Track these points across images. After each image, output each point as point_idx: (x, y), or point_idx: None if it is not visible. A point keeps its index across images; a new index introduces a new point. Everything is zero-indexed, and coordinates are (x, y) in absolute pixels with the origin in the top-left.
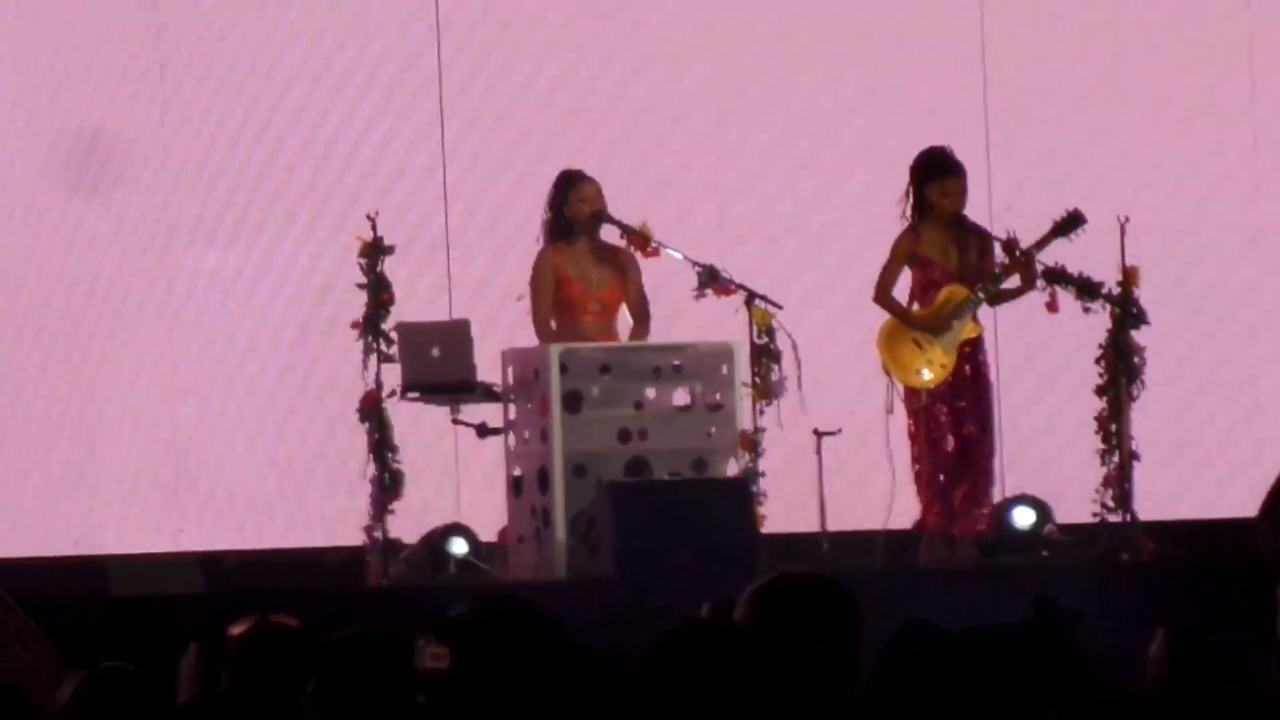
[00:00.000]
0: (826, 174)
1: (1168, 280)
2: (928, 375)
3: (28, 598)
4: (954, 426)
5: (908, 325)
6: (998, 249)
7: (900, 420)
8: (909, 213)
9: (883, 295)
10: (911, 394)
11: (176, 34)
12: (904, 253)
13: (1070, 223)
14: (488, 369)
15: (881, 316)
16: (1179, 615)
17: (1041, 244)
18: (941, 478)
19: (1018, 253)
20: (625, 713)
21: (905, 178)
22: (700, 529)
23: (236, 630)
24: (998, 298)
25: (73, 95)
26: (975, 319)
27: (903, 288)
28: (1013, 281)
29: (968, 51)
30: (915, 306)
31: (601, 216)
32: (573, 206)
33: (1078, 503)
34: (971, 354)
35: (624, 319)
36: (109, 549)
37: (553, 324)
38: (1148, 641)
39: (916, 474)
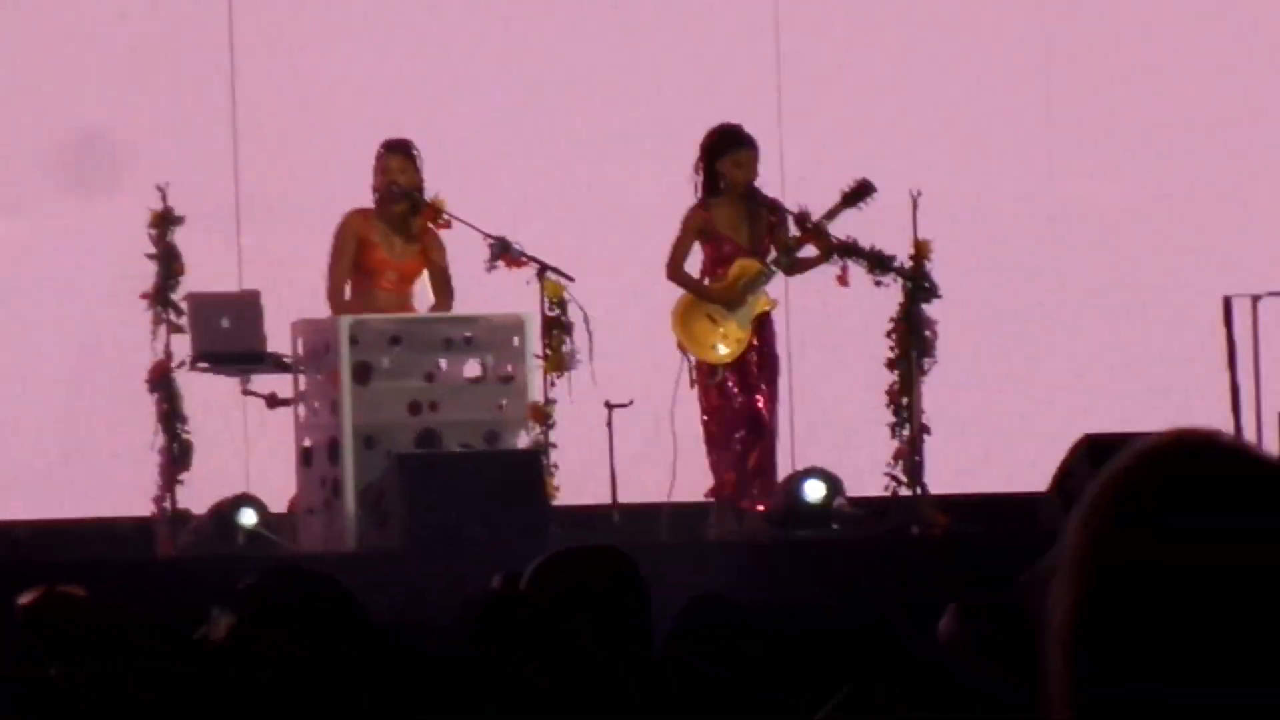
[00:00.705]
0: (618, 148)
1: (960, 255)
2: (723, 350)
3: None
4: (746, 400)
5: (702, 300)
6: (790, 223)
7: (692, 394)
8: (699, 189)
9: (675, 271)
10: (705, 368)
11: None
12: (694, 228)
13: (859, 192)
14: (278, 340)
15: (673, 292)
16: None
17: (831, 214)
18: (733, 451)
19: (809, 224)
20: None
21: (697, 153)
22: (491, 501)
23: (24, 600)
24: (794, 267)
25: None
26: (767, 293)
27: (694, 264)
28: (808, 251)
29: (761, 24)
30: (707, 281)
31: (404, 190)
32: (375, 175)
33: (869, 476)
34: (763, 328)
35: (423, 296)
36: None
37: (348, 290)
38: (939, 615)
39: (709, 447)
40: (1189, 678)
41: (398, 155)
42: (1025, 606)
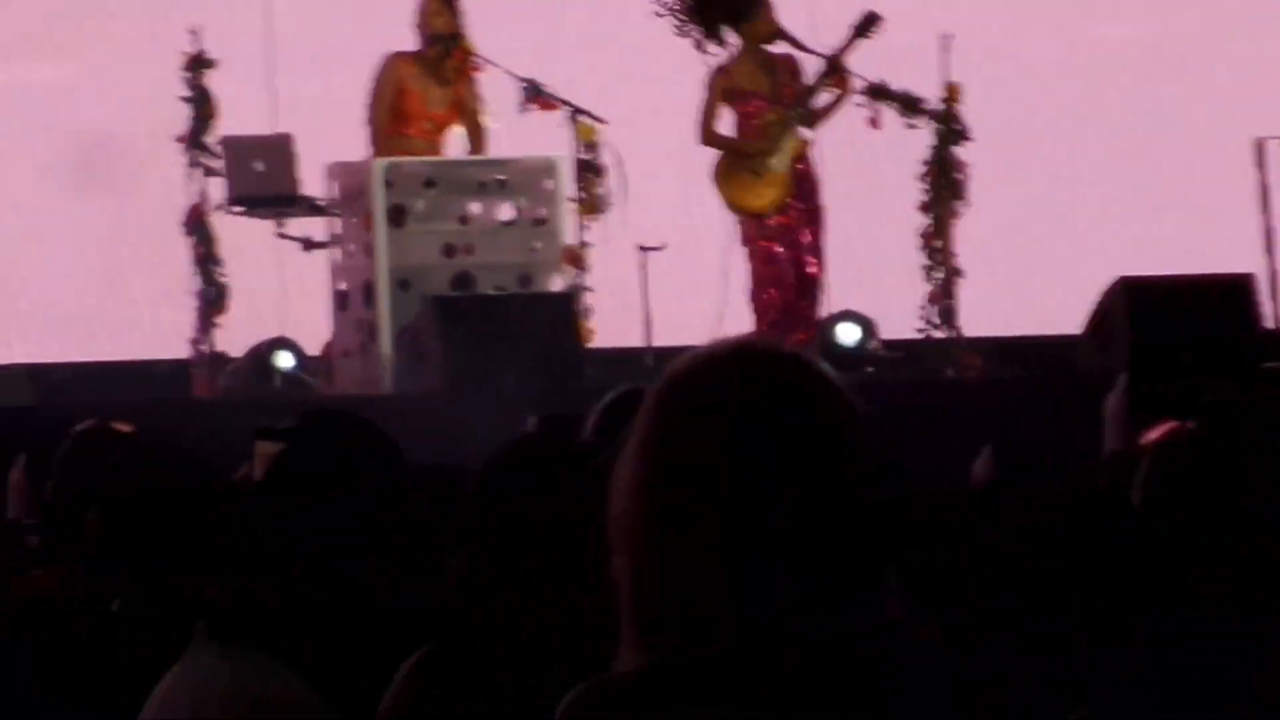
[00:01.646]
0: None
1: (991, 97)
2: (770, 197)
3: None
4: (793, 255)
5: (740, 155)
6: (826, 70)
7: (741, 252)
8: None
9: (708, 133)
10: (753, 223)
11: None
12: (718, 89)
13: (866, 24)
14: (313, 183)
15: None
16: (1005, 431)
17: (845, 49)
18: (774, 302)
19: (830, 62)
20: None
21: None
22: (526, 344)
23: (76, 429)
24: (811, 118)
25: None
26: (798, 133)
27: (725, 124)
28: (827, 98)
29: None
30: (738, 137)
31: (438, 35)
32: (416, 20)
33: (903, 319)
34: (805, 181)
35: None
36: None
37: (386, 129)
38: (974, 458)
39: (754, 299)
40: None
41: (434, 0)
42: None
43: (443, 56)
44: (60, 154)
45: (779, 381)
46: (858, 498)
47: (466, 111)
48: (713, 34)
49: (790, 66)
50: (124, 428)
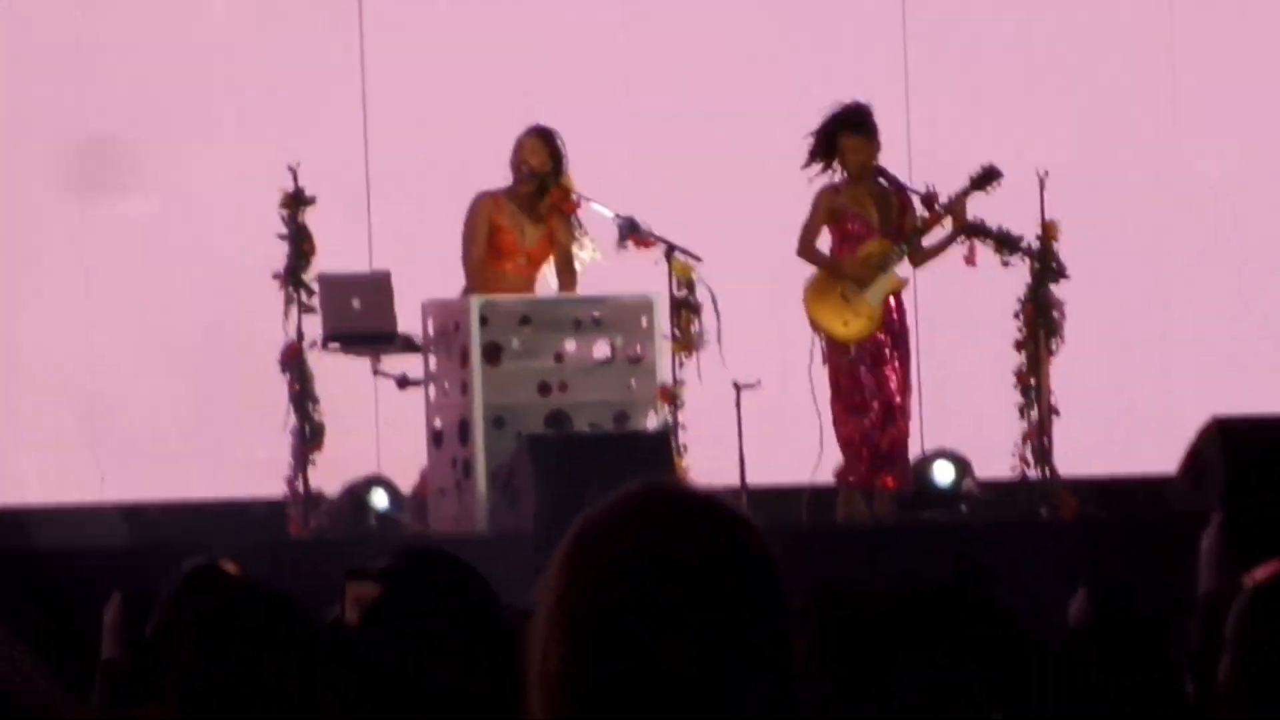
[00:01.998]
0: (745, 127)
1: (1087, 235)
2: (854, 327)
3: None
4: (877, 381)
5: (835, 276)
6: (917, 203)
7: (823, 374)
8: (825, 169)
9: (806, 249)
10: (836, 348)
11: None
12: (825, 208)
13: (986, 177)
14: (408, 320)
15: (802, 272)
16: (1099, 572)
17: (959, 199)
18: (863, 432)
19: (936, 205)
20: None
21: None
22: (620, 482)
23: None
24: (919, 255)
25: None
26: (896, 273)
27: (824, 245)
28: (934, 237)
29: (888, 5)
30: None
31: (534, 173)
32: (512, 156)
33: (998, 458)
34: (894, 308)
35: (548, 278)
36: (30, 500)
37: (482, 269)
38: (1069, 598)
39: (838, 428)
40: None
41: (532, 137)
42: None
43: (539, 193)
44: (156, 290)
45: (689, 526)
46: (774, 640)
47: (560, 248)
48: (830, 153)
49: (902, 201)
50: (230, 568)
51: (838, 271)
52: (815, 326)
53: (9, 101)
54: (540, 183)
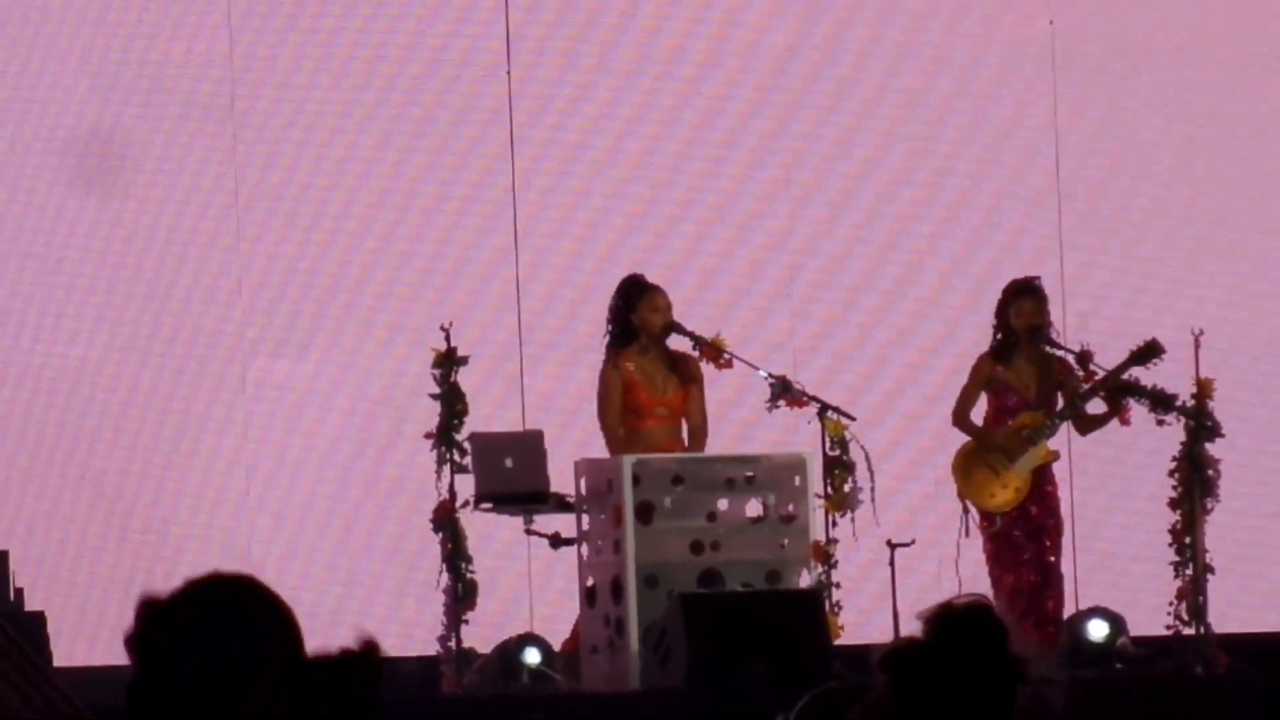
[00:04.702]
0: (899, 289)
1: (1242, 393)
2: (1001, 498)
3: (107, 707)
4: (1029, 547)
5: (987, 447)
6: (1074, 364)
7: (976, 540)
8: (997, 334)
9: (961, 418)
10: (985, 516)
11: (251, 142)
12: (983, 376)
13: (1147, 352)
14: (561, 479)
15: (957, 434)
16: None
17: (1118, 371)
18: (1018, 599)
19: (1091, 364)
20: None
21: (975, 297)
22: (773, 641)
23: None
24: (1082, 425)
25: (152, 208)
26: (1049, 445)
27: (979, 413)
28: (1095, 407)
29: (1044, 166)
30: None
31: (673, 327)
32: (642, 315)
33: (1152, 615)
34: (1045, 478)
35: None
36: None
37: (621, 432)
38: None
39: (994, 591)
40: None
41: (663, 293)
42: None
43: (695, 349)
44: (311, 448)
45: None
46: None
47: (694, 406)
48: (1003, 323)
49: (1063, 369)
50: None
51: (990, 442)
52: (962, 497)
53: (173, 260)
54: (695, 340)
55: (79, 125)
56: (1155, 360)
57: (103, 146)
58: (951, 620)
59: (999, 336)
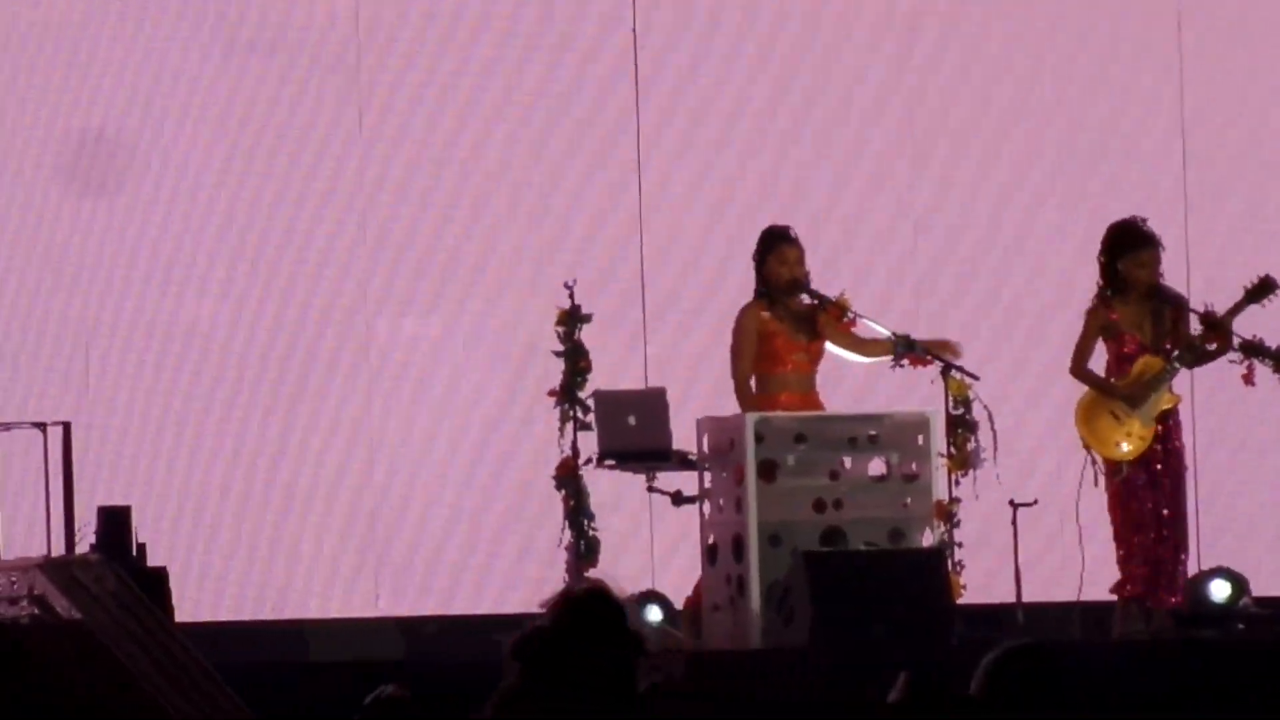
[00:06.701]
0: (1020, 245)
1: None
2: (1126, 447)
3: (227, 663)
4: (1153, 497)
5: (1107, 397)
6: (1194, 320)
7: (1099, 492)
8: (1102, 285)
9: (1079, 368)
10: (1110, 466)
11: (378, 105)
12: (1098, 326)
13: (1263, 288)
14: (683, 437)
15: (1077, 388)
16: None
17: (1235, 311)
18: (1140, 548)
19: (1214, 321)
20: None
21: (1093, 254)
22: (895, 600)
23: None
24: (1197, 359)
25: (279, 170)
26: (1171, 389)
27: (1098, 362)
28: (1206, 350)
29: (1166, 123)
30: (1110, 379)
31: (798, 284)
32: (771, 268)
33: (1276, 576)
34: (1168, 424)
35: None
36: (308, 614)
37: (752, 384)
38: None
39: (1117, 545)
40: None
41: (793, 247)
42: None
43: (819, 310)
44: (434, 406)
45: None
46: None
47: (835, 334)
48: (1110, 273)
49: (1176, 314)
50: (400, 693)
51: (1111, 391)
52: (1087, 447)
53: (300, 220)
54: (819, 300)
55: (215, 89)
56: (1270, 296)
57: (231, 110)
58: (571, 605)
59: (1106, 281)
